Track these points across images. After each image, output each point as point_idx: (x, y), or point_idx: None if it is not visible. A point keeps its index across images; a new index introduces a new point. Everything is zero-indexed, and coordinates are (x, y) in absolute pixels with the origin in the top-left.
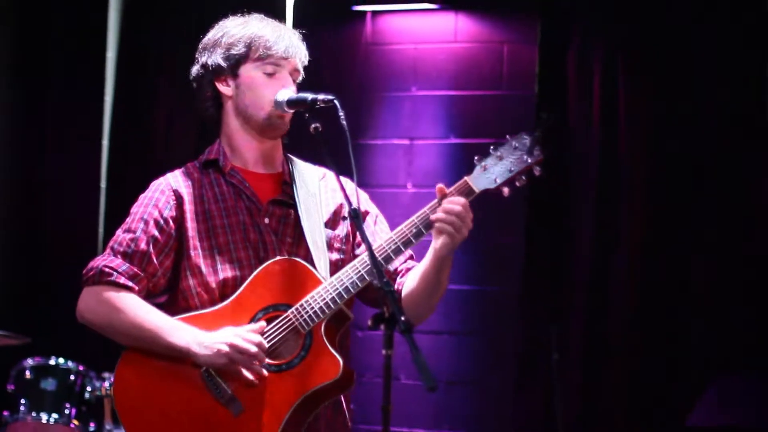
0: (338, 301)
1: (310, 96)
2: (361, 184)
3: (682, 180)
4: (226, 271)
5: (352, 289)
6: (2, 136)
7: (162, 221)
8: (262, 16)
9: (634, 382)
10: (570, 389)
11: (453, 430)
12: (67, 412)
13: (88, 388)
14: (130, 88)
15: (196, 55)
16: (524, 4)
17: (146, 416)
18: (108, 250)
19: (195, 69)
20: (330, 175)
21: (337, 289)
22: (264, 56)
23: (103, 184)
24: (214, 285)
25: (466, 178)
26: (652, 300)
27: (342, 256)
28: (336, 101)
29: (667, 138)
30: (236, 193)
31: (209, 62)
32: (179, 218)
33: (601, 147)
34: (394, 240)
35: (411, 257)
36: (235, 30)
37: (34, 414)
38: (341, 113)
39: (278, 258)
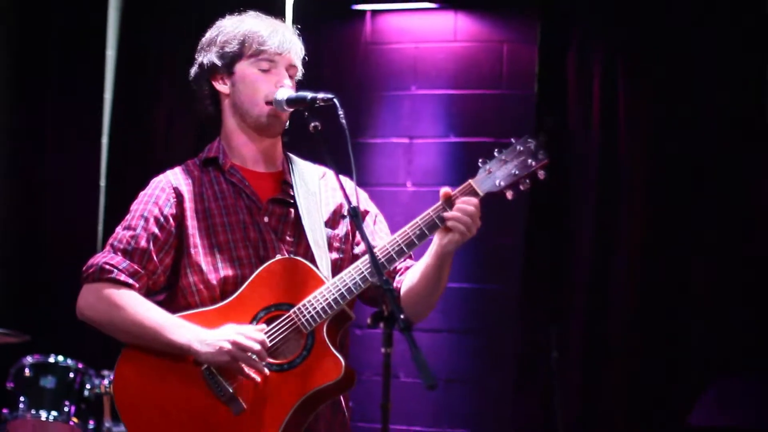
0: (341, 301)
1: (309, 95)
2: (361, 183)
3: (681, 182)
4: (226, 270)
5: (354, 290)
6: (2, 135)
7: (162, 219)
8: (258, 13)
9: (634, 383)
10: (570, 390)
11: (452, 428)
12: (66, 409)
13: (88, 386)
14: (130, 88)
15: (195, 56)
16: (524, 3)
17: (146, 414)
18: (108, 248)
19: (193, 69)
20: (330, 174)
21: (340, 289)
22: (258, 52)
23: (102, 183)
24: (214, 283)
25: (470, 180)
26: (652, 301)
27: (341, 256)
28: (335, 100)
29: (666, 140)
30: (236, 192)
31: (205, 61)
32: (179, 216)
33: (601, 149)
34: (397, 242)
35: (409, 256)
36: (229, 28)
37: (33, 412)
38: (341, 112)
39: (280, 257)
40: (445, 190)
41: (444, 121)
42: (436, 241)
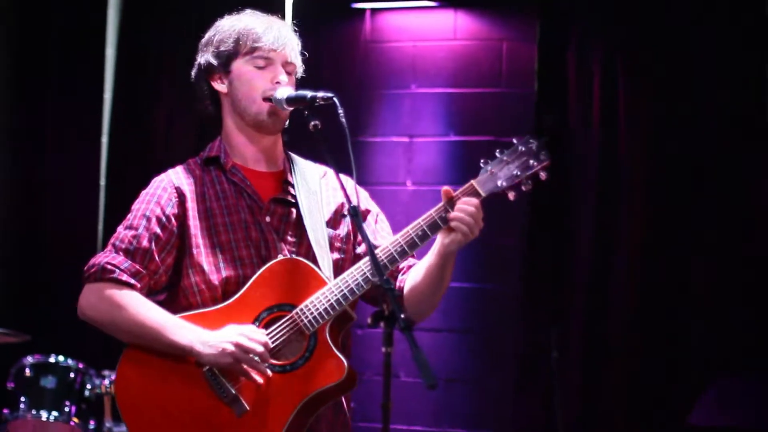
0: (343, 302)
1: (309, 93)
2: (361, 182)
3: (681, 181)
4: (228, 270)
5: (357, 291)
6: (2, 135)
7: (164, 218)
8: (254, 11)
9: (634, 383)
10: (570, 390)
11: (452, 428)
12: (67, 409)
13: (88, 386)
14: (130, 87)
15: (195, 56)
16: (523, 2)
17: (148, 415)
18: (110, 247)
19: (193, 70)
20: (331, 173)
21: (342, 290)
22: (252, 49)
23: (102, 183)
24: (216, 283)
25: (472, 181)
26: (652, 301)
27: (343, 256)
28: (335, 99)
29: (666, 139)
30: (237, 191)
31: (202, 61)
32: (181, 216)
33: (601, 148)
34: (399, 242)
35: (412, 255)
36: (225, 27)
37: (34, 412)
38: (341, 111)
39: (283, 258)
40: (446, 188)
41: (444, 120)
42: (439, 240)
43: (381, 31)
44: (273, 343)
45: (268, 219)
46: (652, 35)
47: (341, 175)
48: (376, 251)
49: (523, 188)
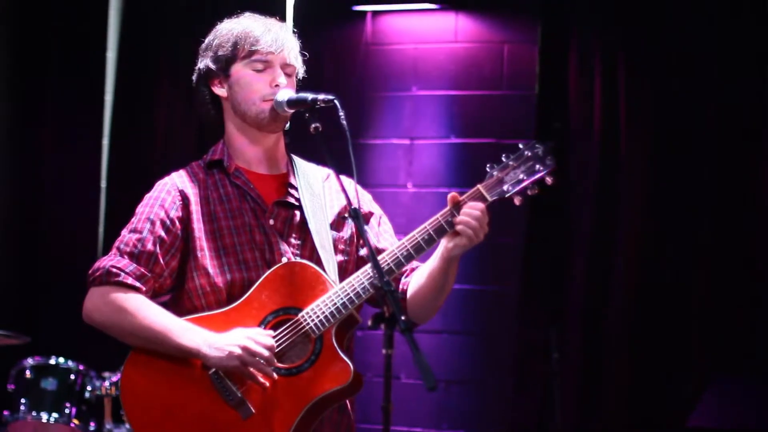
0: (349, 306)
1: (310, 96)
2: (362, 184)
3: (681, 181)
4: (233, 273)
5: (363, 294)
6: (2, 135)
7: (168, 222)
8: (253, 14)
9: (634, 384)
10: (569, 390)
11: (453, 429)
12: (67, 411)
13: (89, 388)
14: (131, 88)
15: (196, 61)
16: (524, 4)
17: (153, 417)
18: (114, 251)
19: (194, 76)
20: (334, 175)
21: (348, 294)
22: (251, 53)
23: (103, 184)
24: (221, 286)
25: (479, 186)
26: (652, 301)
27: (346, 258)
28: (336, 101)
29: (667, 139)
30: (241, 195)
31: (202, 66)
32: (185, 219)
33: (602, 149)
34: (405, 246)
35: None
36: (223, 31)
37: (34, 413)
38: (341, 113)
39: (288, 261)
40: (453, 194)
41: (445, 122)
42: (443, 245)
43: (382, 33)
44: (279, 346)
45: (271, 222)
46: (653, 36)
47: (343, 177)
48: (383, 255)
49: (529, 193)
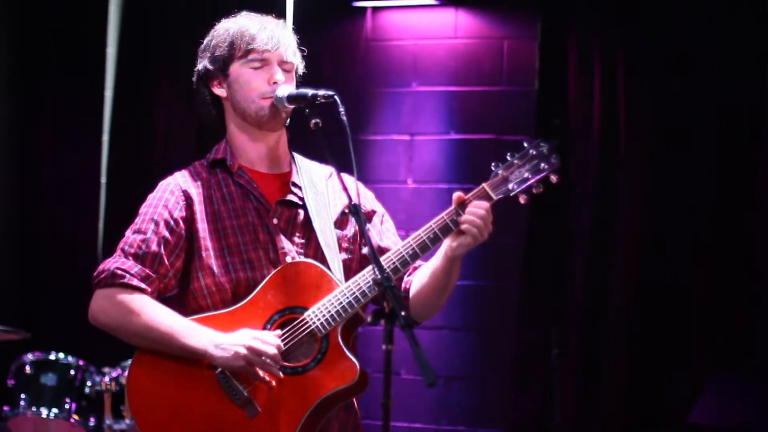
0: (355, 304)
1: (310, 92)
2: (362, 180)
3: (681, 180)
4: (238, 272)
5: (369, 293)
6: (2, 135)
7: (172, 222)
8: (249, 13)
9: (633, 383)
10: (569, 389)
11: (452, 425)
12: (67, 406)
13: (88, 383)
14: (131, 86)
15: (195, 63)
16: (524, 0)
17: (160, 417)
18: (119, 252)
19: (194, 78)
20: (336, 174)
21: (354, 292)
22: (247, 51)
23: (103, 181)
24: (227, 285)
25: (484, 184)
26: (652, 301)
27: (350, 256)
28: (336, 97)
29: (666, 138)
30: (244, 194)
31: (201, 68)
32: (189, 219)
33: (601, 147)
34: (411, 244)
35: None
36: (220, 32)
37: (34, 409)
38: (341, 109)
39: (294, 260)
40: (458, 194)
41: (445, 118)
42: (447, 243)
43: (382, 29)
44: (285, 345)
45: (275, 221)
46: (652, 35)
47: (344, 175)
48: (389, 253)
49: (534, 191)
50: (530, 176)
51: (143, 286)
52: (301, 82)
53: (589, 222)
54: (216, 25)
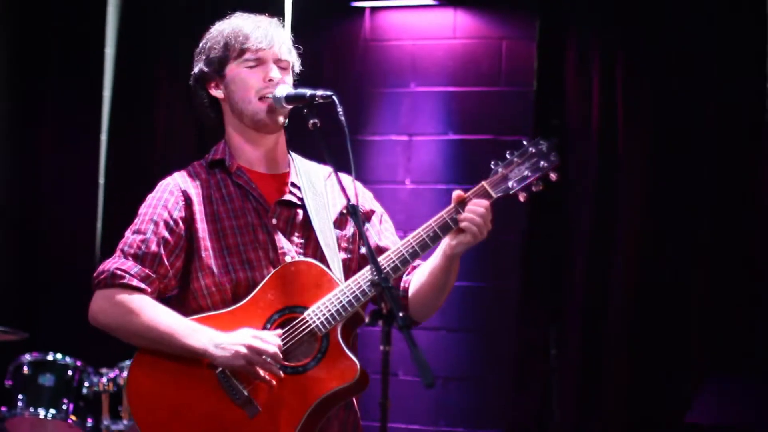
0: (355, 303)
1: (308, 92)
2: (360, 180)
3: (681, 180)
4: (237, 272)
5: (368, 292)
6: (2, 135)
7: (172, 222)
8: (243, 13)
9: (633, 382)
10: (568, 389)
11: (450, 426)
12: (64, 407)
13: (86, 384)
14: (130, 86)
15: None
16: (522, 0)
17: (161, 418)
18: (118, 253)
19: (191, 80)
20: (334, 174)
21: (354, 291)
22: (242, 51)
23: (101, 181)
24: (227, 285)
25: (483, 182)
26: (652, 301)
27: (350, 256)
28: (334, 97)
29: (666, 138)
30: (243, 194)
31: (197, 70)
32: (188, 219)
33: (600, 147)
34: (410, 243)
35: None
36: (215, 33)
37: (31, 409)
38: (340, 109)
39: (294, 260)
40: (458, 192)
41: (443, 118)
42: (446, 242)
43: (380, 29)
44: (285, 345)
45: (274, 221)
46: (651, 35)
47: (343, 175)
48: (389, 252)
49: (534, 189)
50: (530, 174)
51: (143, 286)
52: (299, 81)
53: (589, 222)
54: (210, 28)
